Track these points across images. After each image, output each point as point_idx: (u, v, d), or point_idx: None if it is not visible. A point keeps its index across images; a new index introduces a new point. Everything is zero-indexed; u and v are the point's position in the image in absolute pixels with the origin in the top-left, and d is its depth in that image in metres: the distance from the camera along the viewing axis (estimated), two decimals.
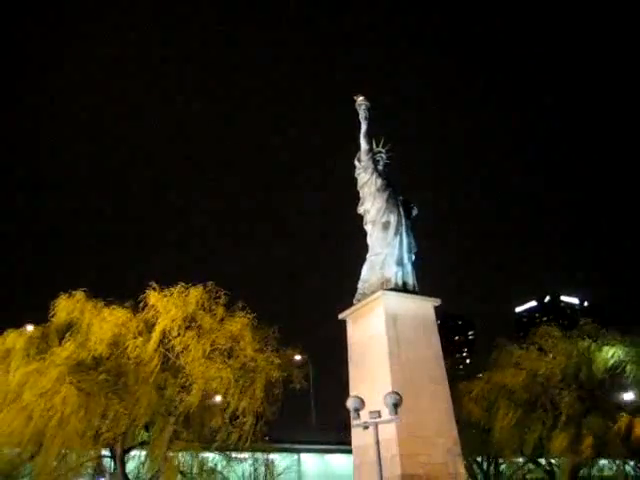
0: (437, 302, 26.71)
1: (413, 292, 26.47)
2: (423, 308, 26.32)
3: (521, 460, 33.75)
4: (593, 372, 32.16)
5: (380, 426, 23.76)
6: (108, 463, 27.05)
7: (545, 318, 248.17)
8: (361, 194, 28.40)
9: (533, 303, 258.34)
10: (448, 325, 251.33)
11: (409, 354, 24.71)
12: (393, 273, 26.42)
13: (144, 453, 26.26)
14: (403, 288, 26.30)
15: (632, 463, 33.09)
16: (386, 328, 24.82)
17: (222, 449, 26.58)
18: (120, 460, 25.78)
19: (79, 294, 26.61)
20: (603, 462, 32.21)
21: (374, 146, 29.10)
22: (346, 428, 22.71)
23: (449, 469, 23.25)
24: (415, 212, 28.96)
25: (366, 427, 18.46)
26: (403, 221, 27.47)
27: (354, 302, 26.98)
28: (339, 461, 45.09)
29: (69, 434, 22.53)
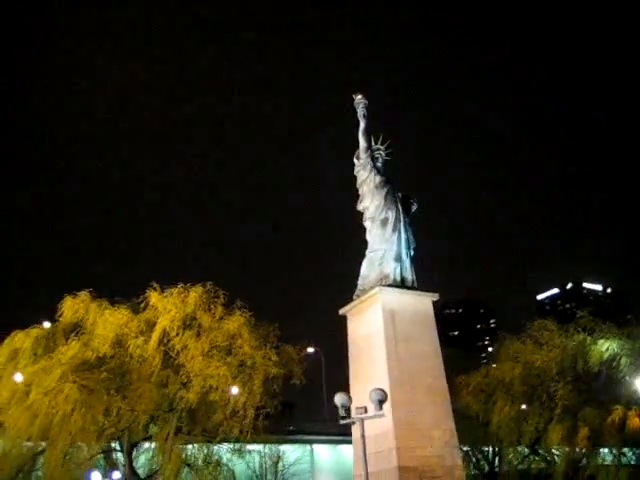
0: (435, 297, 27.09)
1: (412, 287, 26.79)
2: (421, 303, 26.69)
3: (526, 450, 34.07)
4: (589, 365, 32.43)
5: (378, 419, 24.43)
6: (120, 457, 27.95)
7: (567, 305, 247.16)
8: (360, 191, 28.75)
9: (555, 290, 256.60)
10: (469, 313, 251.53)
11: (407, 349, 25.13)
12: (391, 269, 26.80)
13: (153, 446, 27.15)
14: (401, 284, 26.67)
15: (630, 453, 33.36)
16: (384, 323, 25.28)
17: (227, 442, 27.32)
18: (127, 454, 26.70)
19: (84, 295, 27.37)
20: (604, 450, 32.42)
21: (373, 143, 29.43)
22: None
23: (446, 461, 23.76)
24: (415, 208, 29.32)
25: (353, 423, 18.85)
26: (402, 217, 27.80)
27: (354, 298, 27.41)
28: (352, 452, 45.80)
29: (72, 430, 23.43)
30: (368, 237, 27.97)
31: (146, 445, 27.79)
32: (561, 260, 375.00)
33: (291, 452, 42.62)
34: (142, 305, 26.83)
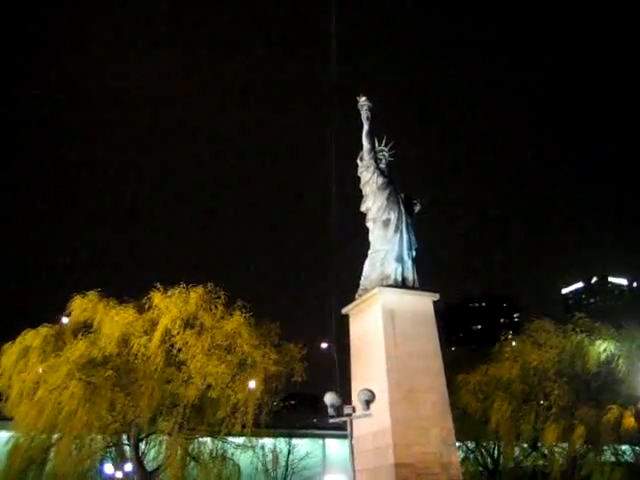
0: (436, 297, 27.45)
1: (412, 288, 27.21)
2: (422, 303, 27.06)
3: (526, 448, 34.43)
4: (586, 365, 32.64)
5: (376, 417, 25.01)
6: (129, 450, 28.93)
7: (592, 299, 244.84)
8: (363, 192, 29.18)
9: (580, 284, 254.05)
10: (493, 307, 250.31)
11: (406, 348, 25.56)
12: (393, 269, 27.22)
13: (159, 441, 28.11)
14: (402, 284, 27.08)
15: (627, 450, 33.54)
16: (383, 323, 25.75)
17: (232, 436, 28.11)
18: (134, 447, 27.66)
19: (92, 294, 28.25)
20: (601, 449, 32.61)
21: (376, 145, 29.86)
22: None
23: (443, 458, 24.18)
24: (418, 208, 29.65)
25: (343, 422, 19.43)
26: (404, 218, 28.18)
27: (356, 297, 27.92)
28: None
29: (77, 425, 24.39)
30: (370, 238, 28.39)
31: (154, 439, 28.72)
32: (586, 254, 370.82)
33: (302, 446, 43.44)
34: (146, 305, 27.67)
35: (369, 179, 29.05)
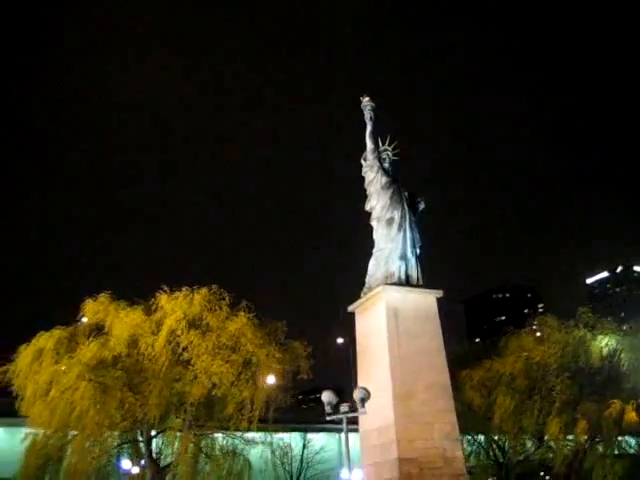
0: (439, 294, 27.84)
1: (416, 285, 27.65)
2: (425, 300, 27.49)
3: (529, 442, 34.71)
4: (588, 360, 32.82)
5: (380, 413, 25.70)
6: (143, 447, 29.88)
7: (617, 289, 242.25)
8: (368, 192, 29.61)
9: (605, 274, 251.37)
10: (517, 298, 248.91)
11: (409, 345, 26.04)
12: (396, 267, 27.67)
13: (171, 438, 28.98)
14: (406, 282, 27.52)
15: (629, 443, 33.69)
16: (387, 321, 26.24)
17: (242, 431, 28.87)
18: (147, 444, 28.55)
19: (103, 297, 28.99)
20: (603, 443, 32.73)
21: (380, 145, 30.25)
22: None
23: (446, 453, 24.70)
24: (422, 207, 29.98)
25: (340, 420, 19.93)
26: (407, 217, 28.58)
27: (361, 295, 28.42)
28: None
29: (89, 425, 25.31)
30: (375, 236, 28.83)
31: (167, 436, 29.57)
32: (612, 243, 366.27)
33: (317, 440, 44.16)
34: (152, 307, 28.47)
35: (373, 178, 29.45)
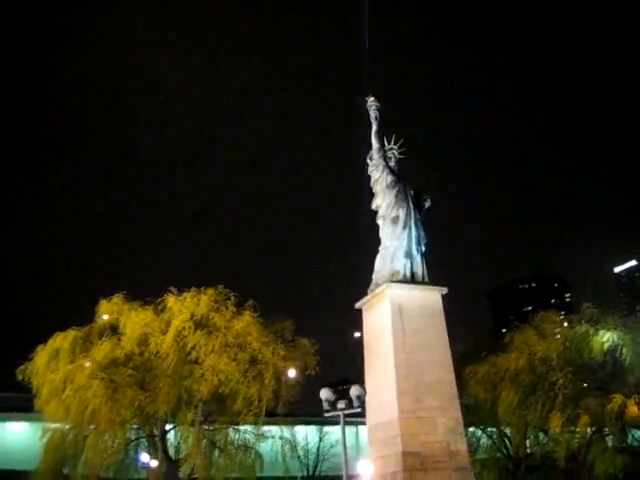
0: (444, 291, 28.19)
1: (421, 282, 28.07)
2: (430, 297, 27.86)
3: (533, 436, 35.07)
4: (590, 355, 32.96)
5: (385, 407, 26.39)
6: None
7: None
8: (374, 190, 30.08)
9: (633, 262, 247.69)
10: (544, 288, 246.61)
11: (414, 341, 26.46)
12: (402, 265, 28.09)
13: (185, 432, 30.01)
14: (411, 279, 27.93)
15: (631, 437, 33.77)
16: (391, 317, 26.71)
17: (257, 425, 29.77)
18: (161, 439, 29.55)
19: (117, 298, 30.05)
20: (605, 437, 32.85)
21: (386, 144, 30.66)
22: None
23: (450, 447, 25.11)
24: (428, 204, 30.34)
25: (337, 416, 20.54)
26: (412, 214, 28.96)
27: (368, 292, 28.94)
28: None
29: (101, 422, 26.36)
30: (381, 234, 29.24)
31: (181, 430, 30.59)
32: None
33: (333, 434, 44.89)
34: (160, 307, 29.39)
35: (378, 177, 29.86)
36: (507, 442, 36.50)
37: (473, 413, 32.43)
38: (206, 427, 28.71)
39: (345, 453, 20.49)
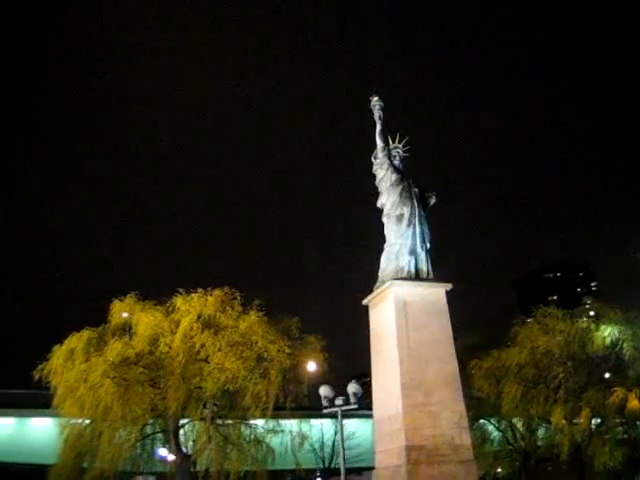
0: (448, 287, 28.72)
1: (425, 279, 28.57)
2: (434, 294, 28.42)
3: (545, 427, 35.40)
4: (592, 349, 33.18)
5: (390, 402, 27.06)
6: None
7: None
8: (379, 189, 30.66)
9: None
10: (568, 277, 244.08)
11: (418, 336, 27.06)
12: (406, 262, 28.66)
13: (197, 428, 31.06)
14: (416, 276, 28.51)
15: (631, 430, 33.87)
16: (395, 313, 27.33)
17: (268, 419, 30.64)
18: (174, 435, 30.53)
19: (129, 298, 31.05)
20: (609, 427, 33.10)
21: (390, 142, 31.15)
22: None
23: (454, 441, 25.71)
24: (433, 201, 30.82)
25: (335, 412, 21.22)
26: (417, 212, 29.46)
27: (374, 289, 29.56)
28: None
29: (114, 419, 27.43)
30: (386, 232, 29.80)
31: (194, 425, 31.57)
32: None
33: (349, 426, 45.61)
34: (169, 308, 30.33)
35: (383, 176, 30.45)
36: (517, 435, 36.88)
37: (479, 407, 32.80)
38: (218, 422, 29.64)
39: (343, 448, 21.13)
